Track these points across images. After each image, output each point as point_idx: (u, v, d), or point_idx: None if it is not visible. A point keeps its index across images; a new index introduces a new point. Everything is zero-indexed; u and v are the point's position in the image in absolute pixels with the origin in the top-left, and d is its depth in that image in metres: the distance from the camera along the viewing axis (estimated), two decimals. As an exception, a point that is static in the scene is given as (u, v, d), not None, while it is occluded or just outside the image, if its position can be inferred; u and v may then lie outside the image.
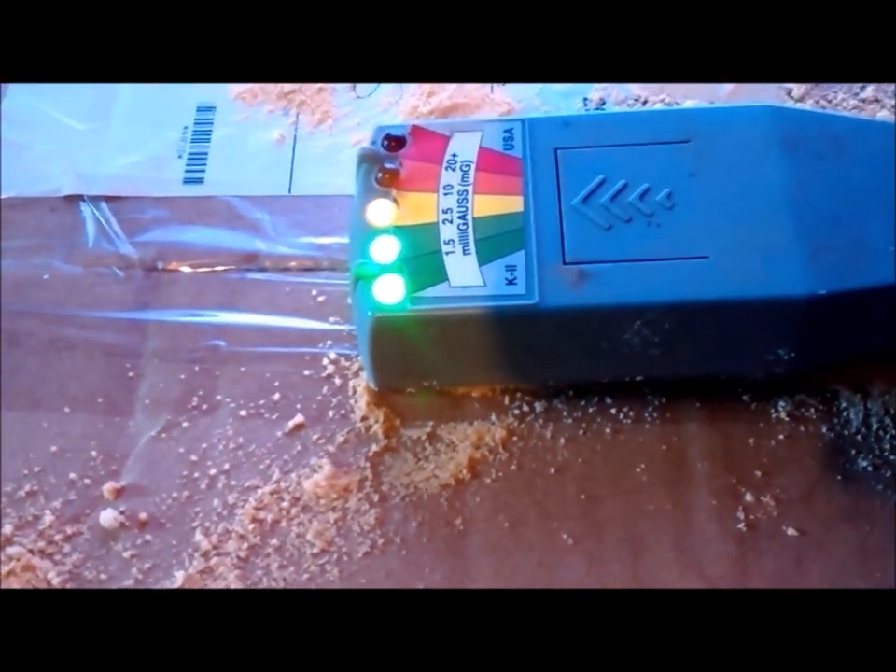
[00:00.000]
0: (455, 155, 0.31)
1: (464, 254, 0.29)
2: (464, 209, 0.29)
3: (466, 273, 0.28)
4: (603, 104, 0.36)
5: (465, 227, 0.29)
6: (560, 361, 0.29)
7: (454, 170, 0.30)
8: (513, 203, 0.29)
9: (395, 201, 0.30)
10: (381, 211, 0.30)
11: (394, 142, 0.31)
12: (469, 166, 0.30)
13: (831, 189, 0.29)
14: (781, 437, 0.30)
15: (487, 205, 0.29)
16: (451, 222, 0.29)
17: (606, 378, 0.30)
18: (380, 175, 0.30)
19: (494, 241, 0.29)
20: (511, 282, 0.28)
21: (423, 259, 0.29)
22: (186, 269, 0.34)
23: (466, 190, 0.30)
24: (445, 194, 0.30)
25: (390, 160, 0.30)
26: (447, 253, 0.29)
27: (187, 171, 0.36)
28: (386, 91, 0.37)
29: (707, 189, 0.29)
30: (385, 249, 0.29)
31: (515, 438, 0.30)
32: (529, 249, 0.29)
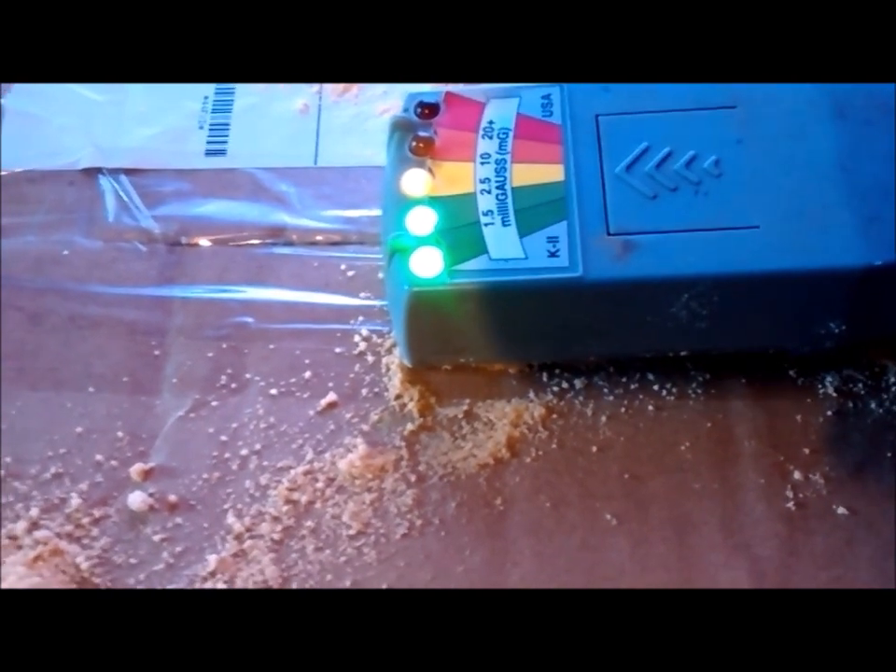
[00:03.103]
0: (491, 122, 0.29)
1: (503, 225, 0.28)
2: (502, 178, 0.28)
3: (506, 245, 0.27)
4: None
5: (504, 197, 0.28)
6: (603, 336, 0.28)
7: (490, 138, 0.29)
8: (554, 172, 0.28)
9: (430, 170, 0.29)
10: (416, 181, 0.28)
11: (427, 109, 0.30)
12: (506, 134, 0.29)
13: (882, 155, 0.28)
14: (829, 413, 0.29)
15: (526, 174, 0.28)
16: (489, 192, 0.28)
17: (649, 353, 0.29)
18: (414, 143, 0.29)
19: (534, 211, 0.28)
20: (553, 254, 0.27)
21: (461, 230, 0.28)
22: (209, 243, 0.33)
23: (504, 159, 0.29)
24: (482, 163, 0.29)
25: (424, 128, 0.29)
26: (486, 224, 0.28)
27: (208, 142, 0.35)
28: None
29: (756, 157, 0.28)
30: (422, 221, 0.28)
31: (555, 416, 0.29)
32: (572, 220, 0.28)
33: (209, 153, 0.35)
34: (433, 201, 0.28)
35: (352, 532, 0.28)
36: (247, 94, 0.36)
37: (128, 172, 0.34)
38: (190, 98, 0.36)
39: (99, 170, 0.34)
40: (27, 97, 0.36)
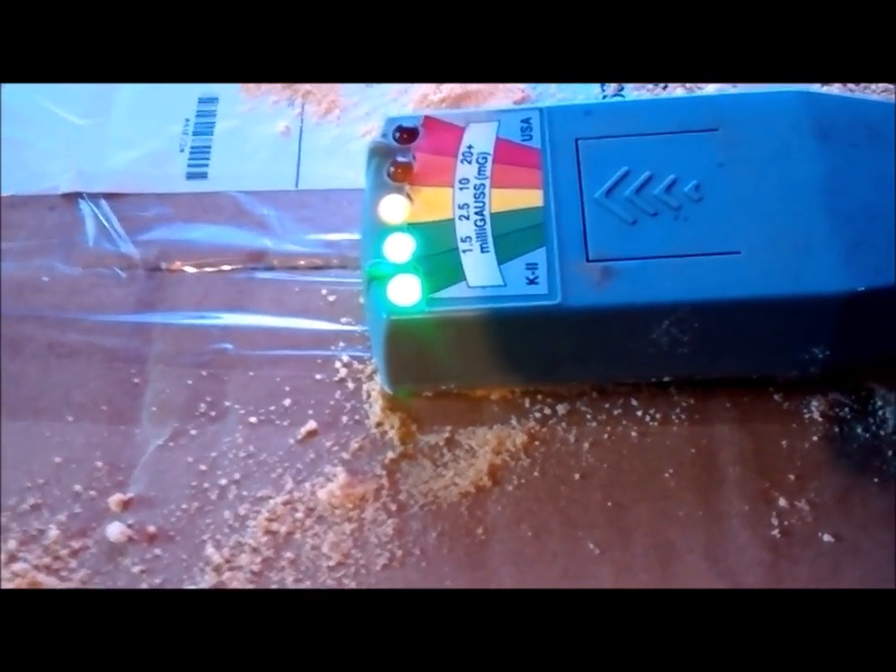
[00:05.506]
0: (470, 147, 0.29)
1: (482, 252, 0.27)
2: (481, 204, 0.28)
3: (484, 272, 0.27)
4: (621, 89, 0.35)
5: (482, 223, 0.28)
6: (584, 362, 0.28)
7: (469, 163, 0.29)
8: (533, 198, 0.28)
9: (408, 196, 0.28)
10: (394, 207, 0.28)
11: (406, 134, 0.29)
12: (485, 158, 0.29)
13: (866, 178, 0.28)
14: (815, 438, 0.29)
15: (505, 200, 0.28)
16: (467, 218, 0.28)
17: (631, 379, 0.29)
18: (392, 169, 0.29)
19: (513, 237, 0.28)
20: (532, 281, 0.27)
21: (439, 257, 0.27)
22: (190, 269, 0.33)
23: (483, 184, 0.28)
24: (461, 189, 0.28)
25: (402, 153, 0.29)
26: (464, 251, 0.27)
27: (189, 165, 0.35)
28: (395, 78, 0.36)
29: (738, 181, 0.28)
30: (400, 248, 0.28)
31: (537, 442, 0.29)
32: (551, 246, 0.27)
33: (190, 176, 0.34)
34: (411, 227, 0.28)
35: (332, 563, 0.27)
36: (229, 117, 0.36)
37: (108, 196, 0.34)
38: (172, 121, 0.35)
39: (79, 195, 0.34)
40: (7, 121, 0.36)
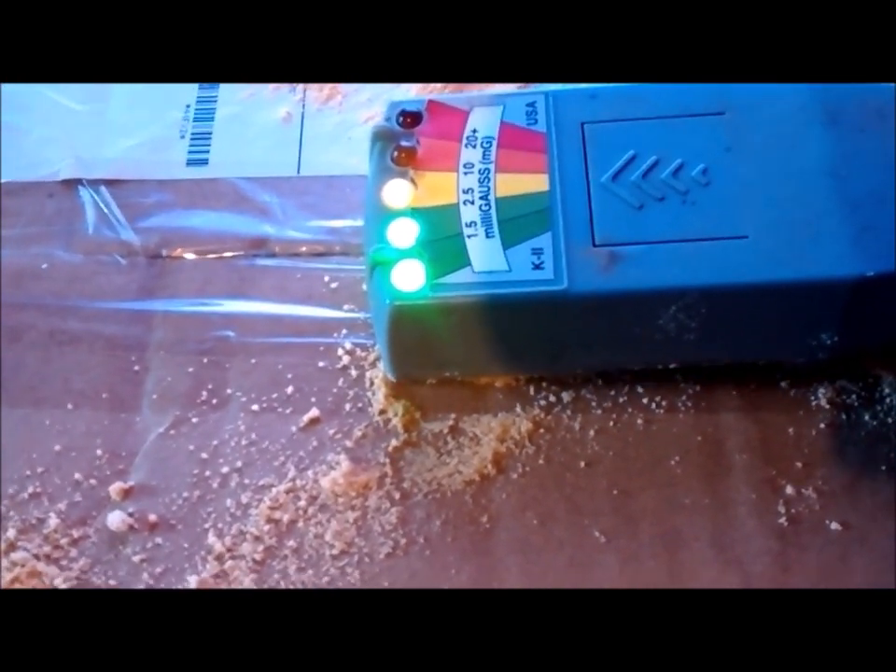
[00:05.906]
0: (475, 131, 0.29)
1: (487, 237, 0.27)
2: (486, 189, 0.28)
3: (489, 258, 0.27)
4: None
5: (487, 208, 0.28)
6: (590, 349, 0.28)
7: (474, 147, 0.29)
8: (538, 182, 0.28)
9: (412, 181, 0.28)
10: (398, 192, 0.28)
11: (410, 118, 0.29)
12: (490, 143, 0.29)
13: (875, 163, 0.28)
14: (822, 425, 0.28)
15: (510, 184, 0.28)
16: (472, 203, 0.28)
17: (638, 366, 0.29)
18: (396, 153, 0.28)
19: (518, 222, 0.27)
20: (537, 266, 0.27)
21: (443, 242, 0.27)
22: (191, 255, 0.32)
23: (487, 169, 0.28)
24: (465, 173, 0.28)
25: (406, 137, 0.29)
26: (469, 236, 0.27)
27: (190, 152, 0.34)
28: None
29: (745, 165, 0.28)
30: (403, 233, 0.27)
31: (542, 430, 0.29)
32: (556, 231, 0.27)
33: (191, 163, 0.34)
34: (415, 212, 0.28)
35: (335, 552, 0.27)
36: (230, 103, 0.35)
37: (108, 183, 0.34)
38: (172, 107, 0.35)
39: (79, 181, 0.34)
40: (6, 108, 0.35)
